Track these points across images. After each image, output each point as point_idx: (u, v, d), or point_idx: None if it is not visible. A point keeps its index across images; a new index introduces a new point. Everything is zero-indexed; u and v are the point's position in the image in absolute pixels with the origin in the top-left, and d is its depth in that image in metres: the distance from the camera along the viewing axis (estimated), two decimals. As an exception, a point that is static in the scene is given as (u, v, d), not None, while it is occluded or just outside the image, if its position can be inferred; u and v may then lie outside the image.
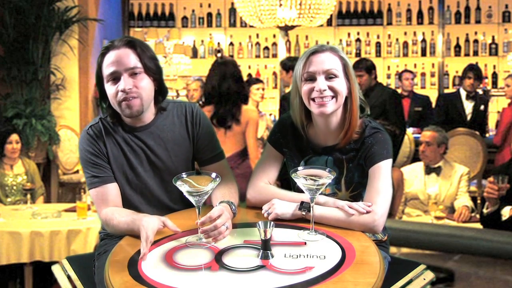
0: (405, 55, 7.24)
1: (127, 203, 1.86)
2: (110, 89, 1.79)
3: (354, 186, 1.82)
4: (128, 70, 1.77)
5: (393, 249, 2.24)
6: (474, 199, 4.41)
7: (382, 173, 1.72)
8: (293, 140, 1.88)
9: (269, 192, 1.82)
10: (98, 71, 1.82)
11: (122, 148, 1.86)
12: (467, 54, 7.08)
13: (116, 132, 1.87)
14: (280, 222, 1.69)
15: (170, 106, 1.93)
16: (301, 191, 1.67)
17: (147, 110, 1.84)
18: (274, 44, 7.34)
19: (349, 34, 7.36)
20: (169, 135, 1.90)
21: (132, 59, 1.77)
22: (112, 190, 1.83)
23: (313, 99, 1.75)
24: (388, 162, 1.75)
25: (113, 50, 1.78)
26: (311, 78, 1.75)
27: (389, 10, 7.23)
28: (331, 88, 1.74)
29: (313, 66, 1.75)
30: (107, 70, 1.78)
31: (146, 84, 1.80)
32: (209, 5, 7.49)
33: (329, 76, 1.74)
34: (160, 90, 1.88)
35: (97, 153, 1.83)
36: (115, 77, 1.77)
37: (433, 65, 7.22)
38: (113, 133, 1.86)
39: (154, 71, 1.83)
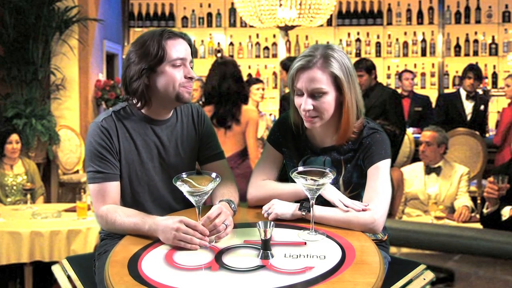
0: (405, 55, 7.24)
1: (133, 199, 1.86)
2: (175, 71, 1.81)
3: (353, 186, 1.82)
4: (189, 61, 1.85)
5: (393, 249, 2.24)
6: (474, 199, 4.41)
7: (380, 173, 1.72)
8: (292, 140, 1.88)
9: (269, 187, 1.83)
10: (153, 50, 1.77)
11: (135, 142, 1.84)
12: (467, 54, 7.09)
13: (130, 125, 1.85)
14: (280, 222, 1.69)
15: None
16: None
17: None
18: (274, 44, 7.34)
19: (349, 34, 7.36)
20: (179, 133, 1.92)
21: (190, 52, 1.86)
22: (113, 188, 1.80)
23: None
24: (387, 162, 1.75)
25: (180, 38, 1.82)
26: (299, 93, 1.74)
27: (389, 10, 7.23)
28: (316, 108, 1.71)
29: (300, 83, 1.72)
30: (176, 53, 1.79)
31: None
32: (209, 5, 7.49)
33: (316, 94, 1.71)
34: None
35: (107, 147, 1.80)
36: (181, 63, 1.82)
37: (433, 65, 7.22)
38: (127, 126, 1.85)
39: None
